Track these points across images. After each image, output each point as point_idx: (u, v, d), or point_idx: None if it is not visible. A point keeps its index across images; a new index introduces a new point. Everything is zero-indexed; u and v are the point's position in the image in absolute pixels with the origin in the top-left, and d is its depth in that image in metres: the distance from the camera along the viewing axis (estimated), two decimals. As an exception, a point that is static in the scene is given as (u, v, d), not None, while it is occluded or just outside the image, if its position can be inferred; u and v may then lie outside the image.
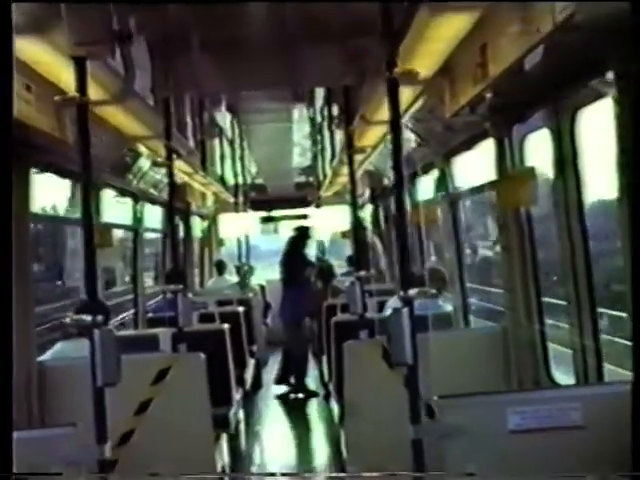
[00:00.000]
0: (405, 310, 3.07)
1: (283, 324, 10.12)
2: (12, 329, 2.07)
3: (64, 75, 3.72)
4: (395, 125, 3.12)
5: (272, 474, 6.39)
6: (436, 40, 3.69)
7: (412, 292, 3.07)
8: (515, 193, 3.72)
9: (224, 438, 6.41)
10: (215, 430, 5.46)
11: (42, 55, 3.50)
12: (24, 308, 4.61)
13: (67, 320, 3.41)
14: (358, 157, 6.89)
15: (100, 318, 3.18)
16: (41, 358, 5.06)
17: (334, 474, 5.92)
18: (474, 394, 3.31)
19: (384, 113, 5.57)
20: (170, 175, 5.48)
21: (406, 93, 5.05)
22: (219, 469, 5.37)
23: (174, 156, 5.57)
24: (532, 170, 4.04)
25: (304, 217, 13.78)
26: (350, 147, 5.66)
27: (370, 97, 5.12)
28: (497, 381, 4.69)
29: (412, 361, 3.12)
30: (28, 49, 3.51)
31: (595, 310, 3.78)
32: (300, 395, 9.85)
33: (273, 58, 5.68)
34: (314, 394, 9.72)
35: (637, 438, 2.19)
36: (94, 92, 4.51)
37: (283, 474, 5.87)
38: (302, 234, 10.44)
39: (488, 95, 3.98)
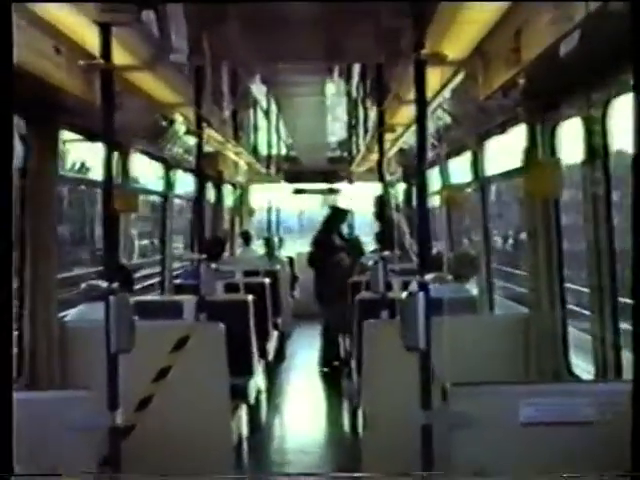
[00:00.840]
0: (420, 294, 3.04)
1: (318, 303, 10.08)
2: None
3: (94, 39, 3.72)
4: (421, 106, 3.08)
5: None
6: (469, 23, 3.63)
7: (428, 276, 3.05)
8: (541, 183, 3.66)
9: (243, 408, 6.45)
10: (234, 400, 5.49)
11: (70, 19, 3.50)
12: (47, 269, 4.65)
13: (84, 286, 3.40)
14: (391, 135, 6.84)
15: (115, 285, 3.19)
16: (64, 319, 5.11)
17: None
18: (487, 383, 3.28)
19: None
20: (199, 143, 5.49)
21: (441, 73, 5.01)
22: (235, 439, 5.40)
23: (204, 124, 5.56)
24: (559, 160, 3.97)
25: (336, 192, 13.74)
26: (381, 125, 5.61)
27: (403, 76, 5.06)
28: (516, 370, 4.65)
29: (425, 346, 3.09)
30: (57, 13, 3.52)
31: (616, 301, 3.72)
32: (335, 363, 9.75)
33: (309, 31, 5.64)
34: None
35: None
36: (125, 57, 4.53)
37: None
38: (336, 215, 10.31)
39: (521, 80, 3.92)
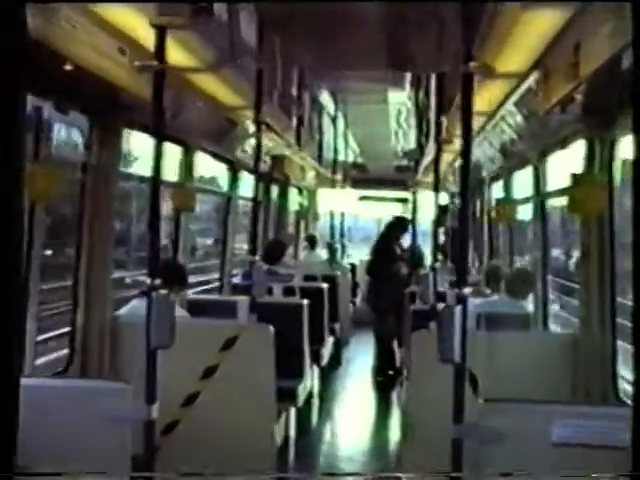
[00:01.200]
0: (458, 307, 3.03)
1: (372, 312, 10.10)
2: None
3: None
4: (467, 119, 3.06)
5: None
6: (527, 35, 3.60)
7: (466, 290, 3.03)
8: (585, 200, 3.59)
9: (292, 411, 6.49)
10: (282, 403, 5.53)
11: (132, 21, 3.59)
12: (102, 266, 4.77)
13: (129, 281, 3.47)
14: (455, 146, 6.80)
15: (158, 281, 3.25)
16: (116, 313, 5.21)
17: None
18: (521, 401, 3.25)
19: (480, 104, 5.51)
20: (258, 146, 5.55)
21: (503, 86, 4.98)
22: (279, 442, 5.43)
23: (264, 128, 5.63)
24: (603, 178, 3.89)
25: (403, 200, 13.70)
26: (439, 135, 5.59)
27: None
28: (563, 390, 4.58)
29: (459, 359, 3.08)
30: (119, 15, 3.63)
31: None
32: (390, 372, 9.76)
33: (373, 40, 5.66)
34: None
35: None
36: (189, 59, 4.63)
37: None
38: (397, 224, 10.31)
39: (579, 95, 3.88)
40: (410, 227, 10.10)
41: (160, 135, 3.39)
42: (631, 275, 3.70)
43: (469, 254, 9.63)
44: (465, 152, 3.11)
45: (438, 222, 5.81)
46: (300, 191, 12.83)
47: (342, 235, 12.27)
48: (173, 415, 4.80)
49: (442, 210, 5.74)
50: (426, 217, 12.18)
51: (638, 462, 2.12)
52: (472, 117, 3.10)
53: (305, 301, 6.79)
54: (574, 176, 3.82)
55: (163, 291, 3.28)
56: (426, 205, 11.87)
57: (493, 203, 8.07)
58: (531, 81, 4.45)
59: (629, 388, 4.35)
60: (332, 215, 12.35)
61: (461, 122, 3.12)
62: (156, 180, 3.33)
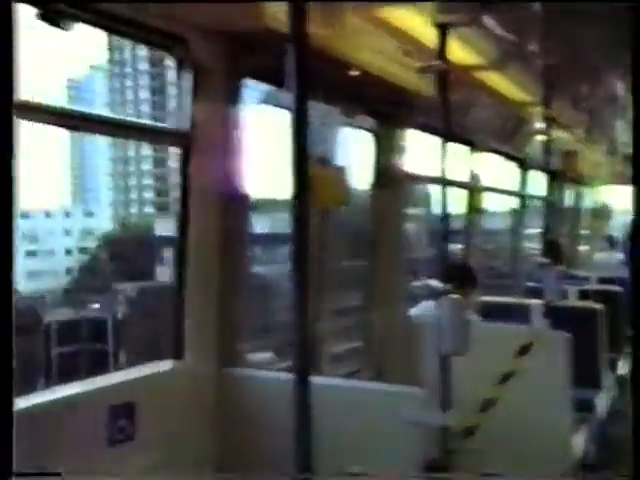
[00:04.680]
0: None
1: None
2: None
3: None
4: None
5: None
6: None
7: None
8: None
9: (592, 422, 6.14)
10: (579, 413, 5.24)
11: (415, 22, 3.57)
12: (392, 268, 4.80)
13: (419, 284, 3.44)
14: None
15: (448, 286, 3.17)
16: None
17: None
18: None
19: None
20: (548, 143, 5.31)
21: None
22: (576, 454, 5.14)
23: (552, 124, 5.39)
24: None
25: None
26: None
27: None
28: None
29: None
30: (403, 17, 3.62)
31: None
32: None
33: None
34: None
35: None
36: (471, 57, 4.53)
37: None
38: None
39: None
40: None
41: (447, 135, 3.31)
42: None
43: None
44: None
45: None
46: (595, 188, 12.25)
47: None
48: (470, 420, 4.71)
49: None
50: None
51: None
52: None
53: (599, 306, 6.42)
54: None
55: (455, 295, 3.18)
56: None
57: None
58: None
59: None
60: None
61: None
62: (443, 181, 3.25)
